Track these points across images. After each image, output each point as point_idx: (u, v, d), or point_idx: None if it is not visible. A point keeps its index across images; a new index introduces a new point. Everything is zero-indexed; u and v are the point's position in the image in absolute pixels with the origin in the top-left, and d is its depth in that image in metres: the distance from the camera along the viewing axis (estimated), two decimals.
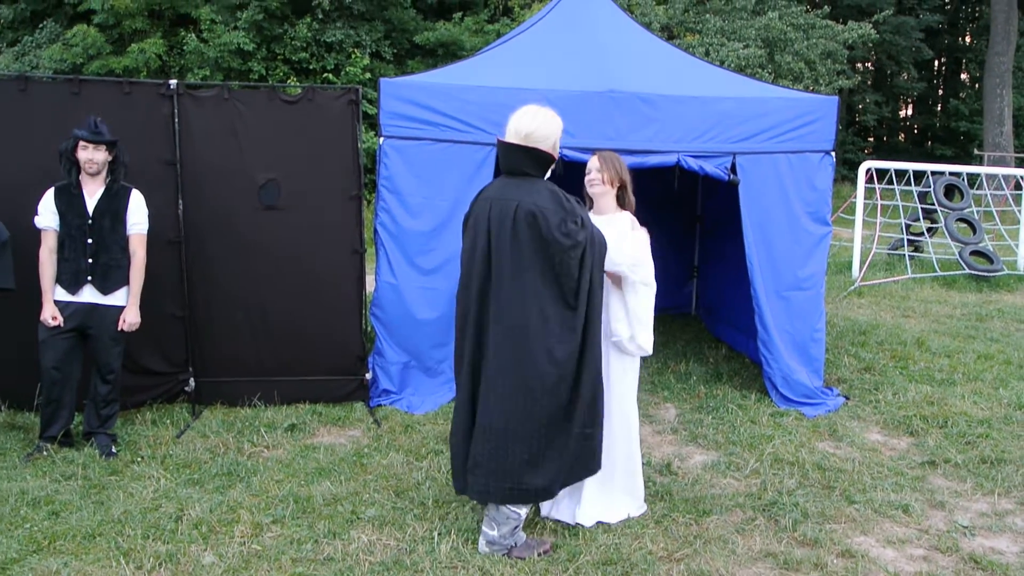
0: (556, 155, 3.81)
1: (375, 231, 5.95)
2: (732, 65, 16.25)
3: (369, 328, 6.17)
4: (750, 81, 6.64)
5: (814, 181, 6.00)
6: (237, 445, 5.11)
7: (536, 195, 3.66)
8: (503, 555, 3.77)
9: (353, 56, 17.80)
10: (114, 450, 4.93)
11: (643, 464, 4.93)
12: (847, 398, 6.20)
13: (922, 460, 5.13)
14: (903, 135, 34.95)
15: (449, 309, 5.88)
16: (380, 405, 5.88)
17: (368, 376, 5.91)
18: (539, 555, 3.78)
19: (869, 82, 31.86)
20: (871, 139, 33.29)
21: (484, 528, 3.83)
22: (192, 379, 5.73)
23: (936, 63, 34.47)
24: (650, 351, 4.09)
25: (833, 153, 6.06)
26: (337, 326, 5.84)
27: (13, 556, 3.71)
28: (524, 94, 5.66)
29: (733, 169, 5.83)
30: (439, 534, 3.98)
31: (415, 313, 5.93)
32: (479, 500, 3.87)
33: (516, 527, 3.81)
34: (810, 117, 5.93)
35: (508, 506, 3.75)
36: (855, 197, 12.07)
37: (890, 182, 12.37)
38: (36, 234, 4.88)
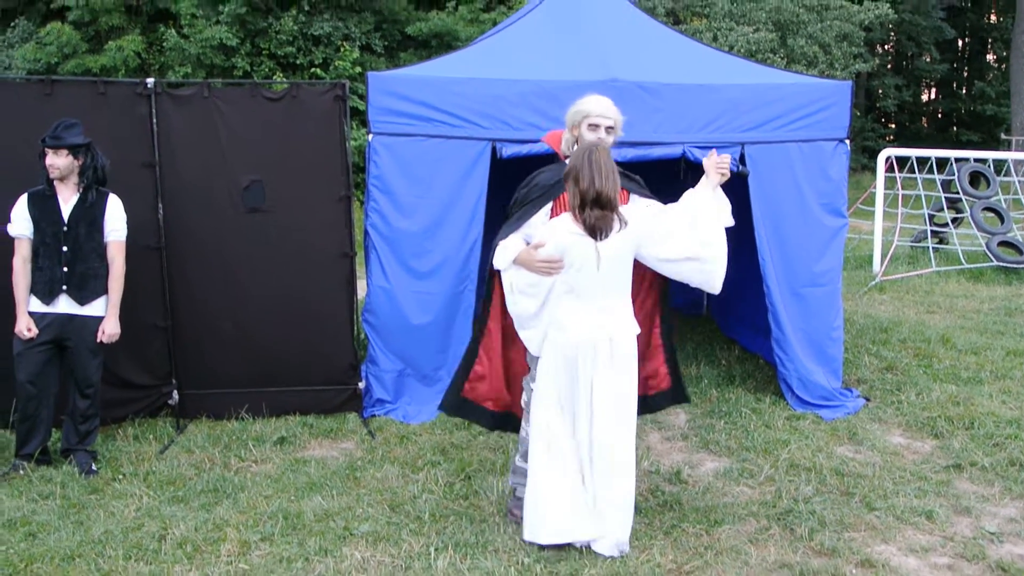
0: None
1: (365, 233, 5.97)
2: (742, 50, 16.28)
3: (362, 335, 6.19)
4: (759, 67, 6.67)
5: (828, 171, 6.02)
6: (224, 460, 5.14)
7: None
8: None
9: (342, 50, 17.86)
10: (94, 467, 4.96)
11: (651, 472, 4.97)
12: (867, 399, 6.21)
13: (947, 464, 5.14)
14: (926, 120, 34.94)
15: (445, 314, 5.93)
16: (374, 415, 5.91)
17: (361, 385, 5.94)
18: None
19: (888, 65, 31.85)
20: (892, 125, 33.30)
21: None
22: (176, 392, 5.77)
23: (959, 43, 34.47)
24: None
25: (848, 141, 6.07)
26: (327, 334, 5.86)
27: None
28: (520, 85, 5.72)
29: (742, 160, 5.85)
30: (436, 549, 4.00)
31: (410, 318, 5.95)
32: None
33: None
34: (823, 103, 5.95)
35: None
36: (875, 187, 12.08)
37: (911, 170, 12.37)
38: (9, 242, 4.91)
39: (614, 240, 3.96)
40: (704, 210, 4.11)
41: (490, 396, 4.43)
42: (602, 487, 4.02)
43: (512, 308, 4.13)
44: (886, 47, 32.57)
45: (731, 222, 4.27)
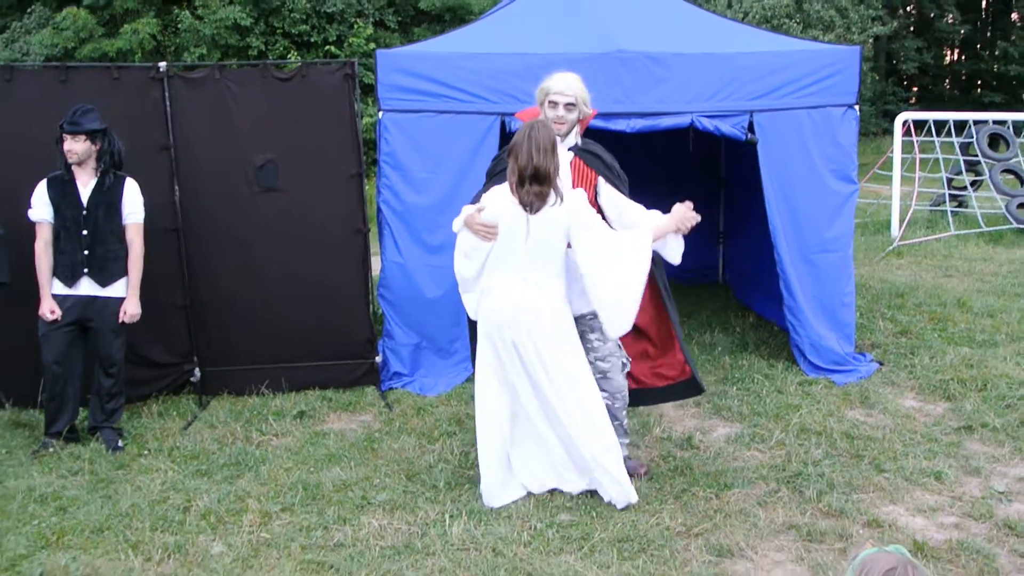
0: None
1: (378, 209, 6.06)
2: (757, 16, 16.16)
3: (378, 310, 6.30)
4: (767, 34, 6.65)
5: (837, 137, 6.02)
6: (245, 434, 5.28)
7: None
8: None
9: (356, 26, 17.91)
10: (120, 444, 5.12)
11: (663, 438, 5.07)
12: (881, 364, 6.25)
13: (958, 425, 5.19)
14: (948, 83, 34.40)
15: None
16: (391, 388, 6.03)
17: (378, 359, 6.05)
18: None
19: (910, 27, 31.38)
20: (914, 88, 32.83)
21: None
22: (197, 369, 5.91)
23: (982, 3, 33.85)
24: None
25: (857, 106, 6.07)
26: (344, 309, 5.97)
27: (22, 552, 3.89)
28: (527, 59, 5.76)
29: (751, 128, 5.87)
30: (451, 516, 4.12)
31: (424, 292, 6.05)
32: None
33: None
34: (831, 70, 5.94)
35: None
36: (892, 152, 12.01)
37: (929, 134, 12.28)
38: (31, 227, 5.05)
39: (546, 215, 4.05)
40: (633, 256, 4.12)
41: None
42: (572, 448, 4.22)
43: (456, 270, 4.32)
44: (907, 9, 32.06)
45: (677, 262, 4.39)
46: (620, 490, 4.18)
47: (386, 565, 3.72)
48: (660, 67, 5.79)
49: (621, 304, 4.06)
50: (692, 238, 8.70)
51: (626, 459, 4.42)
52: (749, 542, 3.89)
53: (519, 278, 4.14)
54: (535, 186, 3.99)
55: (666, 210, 4.30)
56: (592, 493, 4.29)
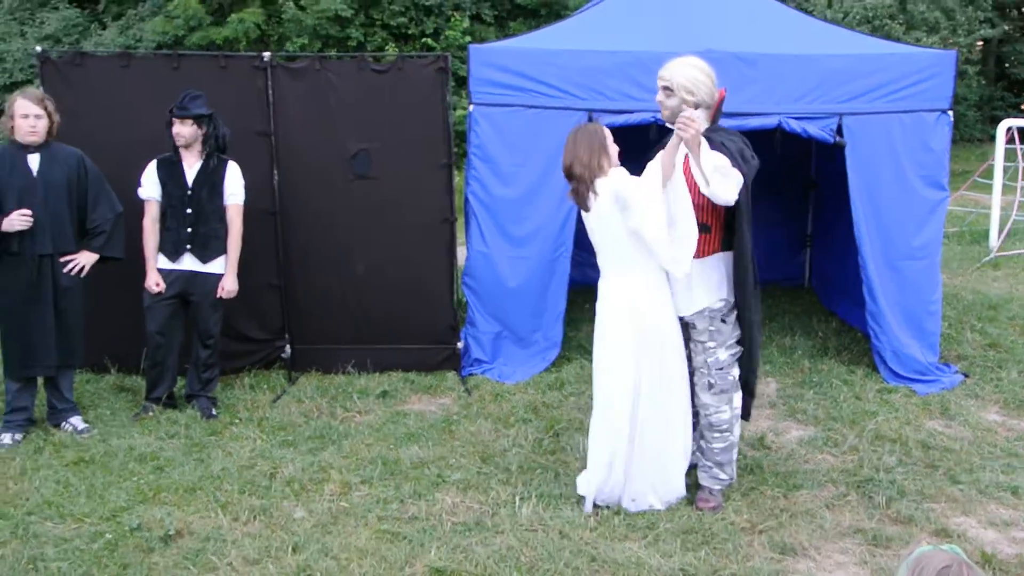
0: None
1: (466, 199, 6.24)
2: (857, 16, 15.79)
3: (461, 298, 6.48)
4: (860, 36, 6.60)
5: (929, 142, 5.94)
6: (330, 410, 5.53)
7: None
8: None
9: (452, 19, 18.16)
10: (214, 412, 5.42)
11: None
12: (966, 376, 6.14)
13: None
14: None
15: (541, 278, 6.16)
16: (471, 374, 6.20)
17: (460, 345, 6.24)
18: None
19: (1022, 30, 30.08)
20: None
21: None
22: (288, 346, 6.19)
23: None
24: None
25: (951, 112, 5.97)
26: (429, 295, 6.17)
27: (122, 504, 4.21)
28: (616, 57, 5.85)
29: (839, 131, 5.83)
30: (521, 498, 4.27)
31: (507, 282, 6.20)
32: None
33: None
34: (925, 74, 5.86)
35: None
36: (993, 159, 11.64)
37: None
38: (139, 206, 5.38)
39: (595, 210, 4.08)
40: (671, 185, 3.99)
41: None
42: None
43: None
44: (1020, 10, 30.75)
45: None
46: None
47: (456, 540, 3.89)
48: (749, 67, 5.80)
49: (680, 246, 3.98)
50: (777, 241, 8.70)
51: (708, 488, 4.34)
52: (813, 542, 3.93)
53: (608, 273, 4.22)
54: (573, 183, 4.11)
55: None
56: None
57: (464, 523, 4.06)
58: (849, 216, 6.06)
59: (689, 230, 3.96)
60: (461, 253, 6.32)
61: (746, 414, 4.41)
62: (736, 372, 4.23)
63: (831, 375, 6.16)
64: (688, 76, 4.05)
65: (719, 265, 4.16)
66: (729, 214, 4.11)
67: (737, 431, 4.31)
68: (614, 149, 4.13)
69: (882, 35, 14.50)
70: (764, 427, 5.31)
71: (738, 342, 4.21)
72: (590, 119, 5.88)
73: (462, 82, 9.66)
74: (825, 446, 5.00)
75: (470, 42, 9.10)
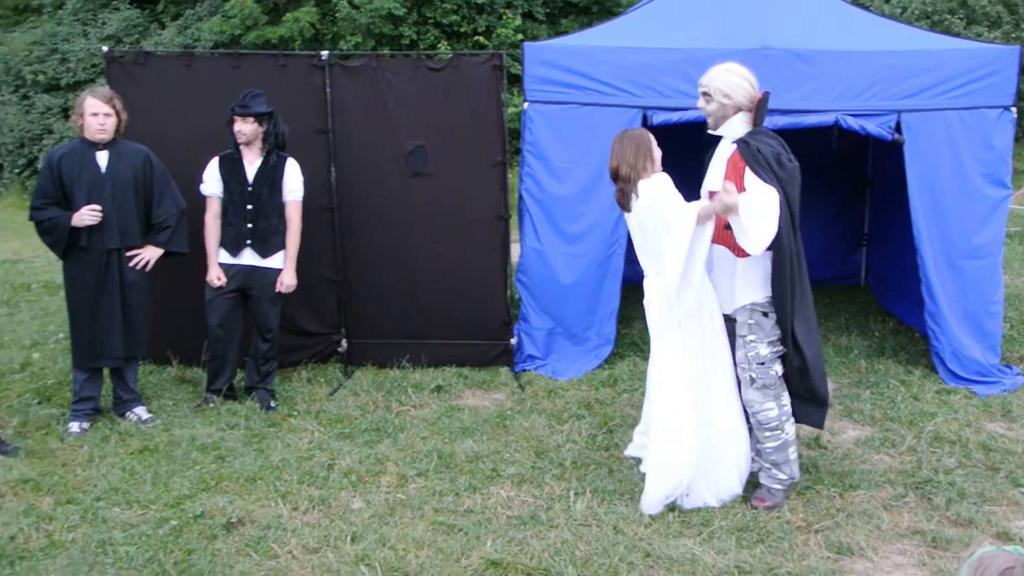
0: None
1: (520, 197, 6.27)
2: (916, 12, 15.48)
3: (515, 294, 6.52)
4: (919, 32, 6.48)
5: (991, 139, 5.83)
6: (386, 403, 5.61)
7: None
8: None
9: (504, 17, 18.20)
10: (273, 404, 5.54)
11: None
12: None
13: None
14: None
15: (595, 276, 6.17)
16: (525, 370, 6.24)
17: (513, 342, 6.28)
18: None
19: None
20: None
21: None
22: (345, 340, 6.29)
23: None
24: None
25: (1014, 108, 5.86)
26: (483, 292, 6.23)
27: (186, 493, 4.33)
28: (670, 54, 5.84)
29: (898, 128, 5.75)
30: (575, 493, 4.30)
31: (560, 279, 6.23)
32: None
33: None
34: (986, 70, 5.75)
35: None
36: None
37: None
38: (201, 202, 5.51)
39: (635, 212, 4.22)
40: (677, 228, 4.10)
41: None
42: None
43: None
44: None
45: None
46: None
47: (511, 533, 3.93)
48: (806, 64, 5.76)
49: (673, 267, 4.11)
50: (832, 239, 8.59)
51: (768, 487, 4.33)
52: (870, 543, 3.89)
53: (650, 274, 4.31)
54: (617, 183, 4.26)
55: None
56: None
57: (519, 516, 4.10)
58: (907, 214, 5.98)
59: (694, 273, 4.14)
60: (515, 250, 6.36)
61: (819, 423, 4.42)
62: (779, 368, 4.23)
63: (888, 375, 6.08)
64: (724, 80, 4.16)
65: (763, 262, 4.18)
66: None
67: (791, 430, 4.29)
68: (658, 153, 4.27)
69: (941, 30, 14.21)
70: None
71: (780, 341, 4.20)
72: (644, 116, 5.89)
73: (515, 80, 9.72)
74: (882, 447, 4.95)
75: (522, 40, 9.15)
